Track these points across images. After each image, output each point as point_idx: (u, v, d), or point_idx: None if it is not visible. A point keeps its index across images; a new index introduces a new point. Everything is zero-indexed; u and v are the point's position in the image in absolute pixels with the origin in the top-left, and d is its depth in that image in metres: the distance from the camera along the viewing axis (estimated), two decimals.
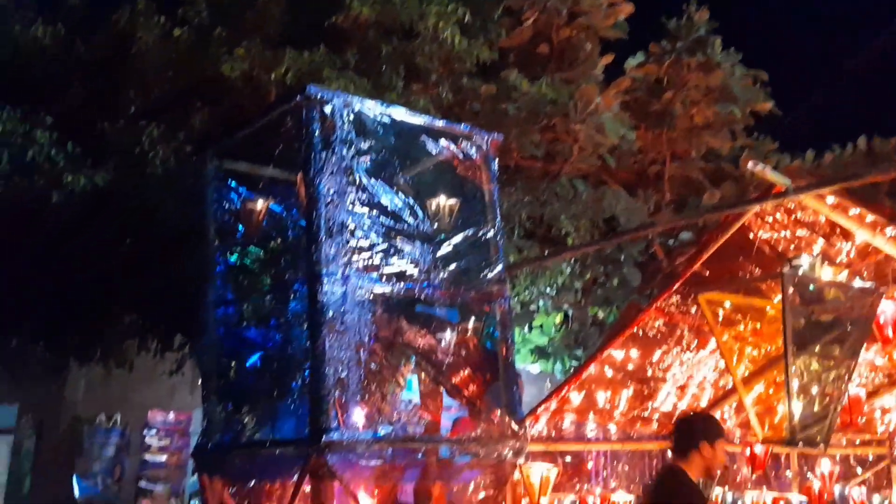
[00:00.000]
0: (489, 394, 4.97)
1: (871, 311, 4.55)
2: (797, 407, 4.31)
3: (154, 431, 8.61)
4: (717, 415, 5.83)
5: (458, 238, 5.09)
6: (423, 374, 4.95)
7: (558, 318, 10.20)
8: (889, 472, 7.11)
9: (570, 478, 5.28)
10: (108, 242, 6.49)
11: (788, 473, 6.43)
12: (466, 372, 4.96)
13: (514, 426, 4.86)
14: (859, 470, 7.06)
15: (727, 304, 4.89)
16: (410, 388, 4.96)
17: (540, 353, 10.08)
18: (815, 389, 4.48)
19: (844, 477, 6.85)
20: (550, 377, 9.81)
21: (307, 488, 4.32)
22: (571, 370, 7.72)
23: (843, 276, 4.68)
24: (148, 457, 8.53)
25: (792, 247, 4.98)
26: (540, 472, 5.01)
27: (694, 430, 3.92)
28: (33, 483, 8.48)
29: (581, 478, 5.38)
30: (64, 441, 8.21)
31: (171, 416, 8.73)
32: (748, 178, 9.47)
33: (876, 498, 6.82)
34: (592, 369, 5.54)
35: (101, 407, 8.35)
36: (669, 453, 4.80)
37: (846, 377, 4.76)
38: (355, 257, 4.64)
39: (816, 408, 4.47)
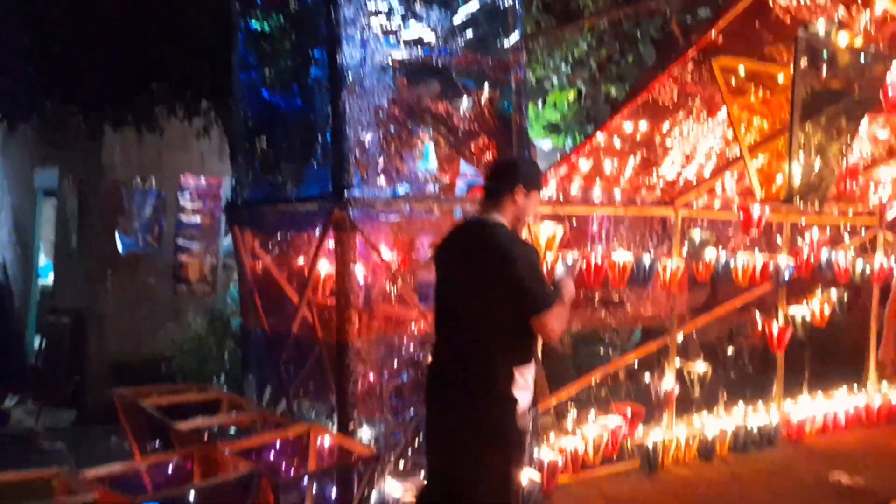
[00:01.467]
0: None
1: (882, 77, 4.41)
2: (797, 170, 4.30)
3: (187, 194, 8.74)
4: (719, 183, 5.88)
5: (475, 5, 4.89)
6: (440, 140, 4.93)
7: (572, 95, 9.95)
8: (875, 239, 7.26)
9: (575, 237, 5.40)
10: (134, 6, 6.26)
11: (779, 239, 6.55)
12: (482, 139, 4.94)
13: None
14: (847, 237, 7.21)
15: (741, 71, 4.74)
16: (427, 154, 4.98)
17: (552, 129, 9.96)
18: (815, 157, 4.45)
19: (832, 242, 7.01)
20: (561, 152, 9.75)
21: (331, 242, 4.47)
22: None
23: (857, 42, 4.50)
24: (183, 217, 8.72)
25: (812, 17, 4.75)
26: (547, 231, 5.12)
27: (516, 172, 3.44)
28: (79, 240, 8.78)
29: (585, 238, 5.49)
30: (104, 202, 8.37)
31: (203, 180, 8.83)
32: None
33: (859, 262, 7.01)
34: (601, 138, 5.49)
35: (136, 171, 8.44)
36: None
37: (847, 147, 4.72)
38: (374, 21, 4.50)
39: (815, 175, 4.46)
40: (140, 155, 8.36)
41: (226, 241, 8.81)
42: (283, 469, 4.02)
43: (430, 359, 3.50)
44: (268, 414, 4.61)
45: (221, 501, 3.42)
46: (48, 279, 10.10)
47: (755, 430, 6.29)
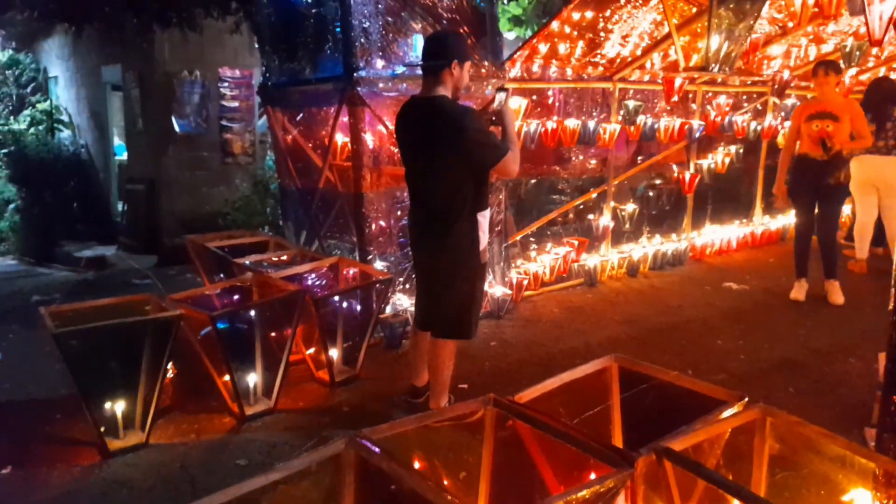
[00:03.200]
0: (479, 46, 4.73)
1: None
2: (714, 44, 4.11)
3: (226, 84, 8.37)
4: (649, 60, 5.64)
5: None
6: (427, 28, 4.63)
7: None
8: (766, 104, 7.11)
9: (536, 108, 5.23)
10: None
11: (693, 106, 6.40)
12: (464, 27, 4.66)
13: (497, 69, 4.71)
14: (746, 104, 7.06)
15: None
16: (416, 43, 4.70)
17: (515, 21, 9.49)
18: (727, 35, 4.25)
19: (734, 107, 6.87)
20: (524, 41, 9.33)
21: (345, 118, 4.30)
22: None
23: None
24: (224, 103, 8.39)
25: None
26: (515, 103, 4.95)
27: (448, 49, 3.00)
28: (144, 124, 8.47)
29: (544, 109, 5.33)
30: (160, 91, 8.01)
31: (238, 72, 8.43)
32: None
33: (753, 123, 6.90)
34: (556, 26, 5.20)
35: (183, 65, 8.02)
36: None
37: (751, 26, 4.50)
38: None
39: (725, 48, 4.27)
40: (185, 52, 7.91)
41: (260, 122, 8.54)
42: (321, 290, 4.06)
43: (410, 212, 3.31)
44: (305, 251, 4.61)
45: (276, 313, 3.47)
46: (123, 156, 9.84)
47: (669, 253, 6.41)
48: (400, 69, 4.20)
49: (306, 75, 4.58)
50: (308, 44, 4.58)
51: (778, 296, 5.44)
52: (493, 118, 3.22)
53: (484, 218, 3.09)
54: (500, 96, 3.14)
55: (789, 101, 7.31)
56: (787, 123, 7.24)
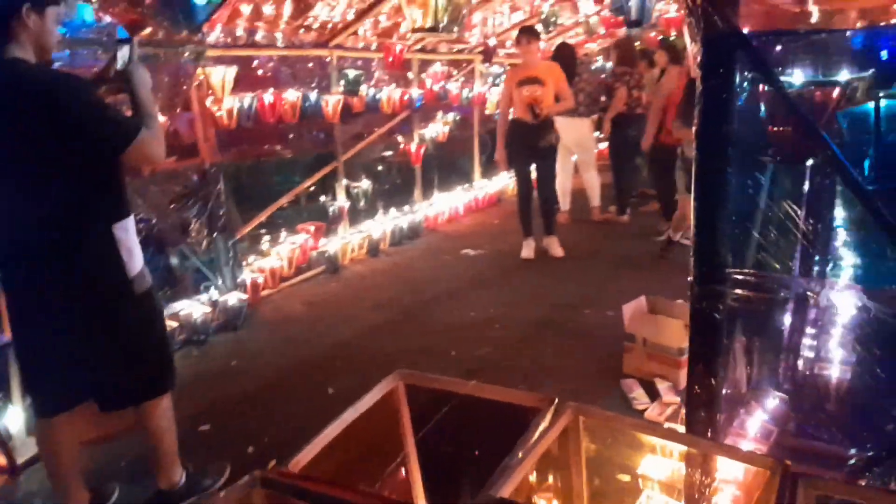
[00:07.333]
0: (167, 4, 3.80)
1: None
2: (441, 3, 3.85)
3: None
4: (362, 26, 5.23)
5: None
6: None
7: None
8: (473, 72, 7.30)
9: (246, 80, 4.47)
10: None
11: (410, 75, 6.22)
12: None
13: (191, 33, 3.85)
14: (455, 72, 7.14)
15: None
16: (81, 9, 3.61)
17: None
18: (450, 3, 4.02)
19: (447, 77, 6.89)
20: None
21: None
22: None
23: None
24: None
25: None
26: (220, 74, 4.16)
27: None
28: None
29: (254, 80, 4.59)
30: None
31: None
32: None
33: (465, 90, 7.02)
34: None
35: None
36: None
37: None
38: None
39: (452, 10, 4.06)
40: None
41: None
42: None
43: None
44: None
45: None
46: None
47: (406, 227, 6.22)
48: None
49: None
50: None
51: (511, 256, 5.59)
52: (117, 84, 2.20)
53: (125, 232, 2.12)
54: (123, 53, 2.16)
55: (494, 69, 7.61)
56: (495, 90, 7.55)
